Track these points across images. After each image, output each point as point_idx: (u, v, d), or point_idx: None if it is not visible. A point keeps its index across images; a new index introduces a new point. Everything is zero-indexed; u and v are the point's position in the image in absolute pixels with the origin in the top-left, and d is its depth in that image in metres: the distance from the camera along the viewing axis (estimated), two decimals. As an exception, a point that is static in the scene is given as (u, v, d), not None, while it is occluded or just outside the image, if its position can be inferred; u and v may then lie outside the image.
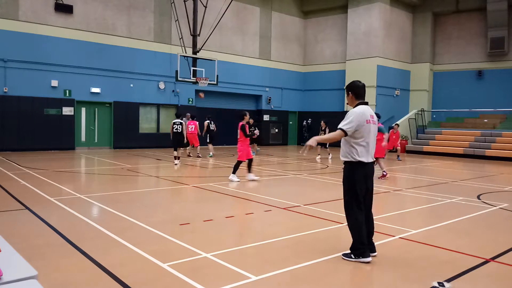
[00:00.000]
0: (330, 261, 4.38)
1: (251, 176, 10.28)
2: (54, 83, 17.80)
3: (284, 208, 6.98)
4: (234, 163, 10.29)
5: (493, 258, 4.56)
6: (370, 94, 23.58)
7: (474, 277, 4.03)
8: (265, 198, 7.89)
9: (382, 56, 23.45)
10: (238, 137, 10.16)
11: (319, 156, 17.19)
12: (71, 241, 4.82)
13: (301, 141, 26.09)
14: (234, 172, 10.09)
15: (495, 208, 7.45)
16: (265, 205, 7.22)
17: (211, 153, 17.37)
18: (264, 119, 25.11)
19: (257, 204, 7.35)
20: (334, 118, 25.00)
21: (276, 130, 25.68)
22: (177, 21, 20.14)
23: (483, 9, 22.89)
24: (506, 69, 22.77)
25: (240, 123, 10.16)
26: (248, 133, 10.11)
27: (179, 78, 18.74)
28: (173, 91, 21.20)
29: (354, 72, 24.00)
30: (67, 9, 17.89)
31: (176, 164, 13.45)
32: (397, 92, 24.70)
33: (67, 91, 18.18)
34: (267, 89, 24.98)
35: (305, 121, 26.40)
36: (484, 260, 4.49)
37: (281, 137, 26.18)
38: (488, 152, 18.92)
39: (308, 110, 26.50)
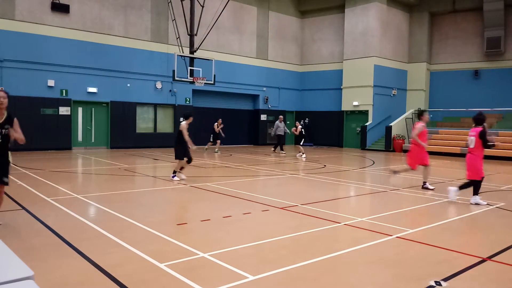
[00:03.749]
0: (327, 260, 4.39)
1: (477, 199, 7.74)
2: (51, 82, 17.74)
3: (281, 208, 6.98)
4: (464, 184, 7.94)
5: (490, 257, 4.58)
6: (367, 94, 23.63)
7: (471, 276, 4.05)
8: (262, 198, 7.89)
9: (379, 55, 23.49)
10: (472, 146, 7.84)
11: (303, 155, 17.51)
12: (68, 241, 4.81)
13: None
14: (476, 193, 7.69)
15: (491, 207, 7.48)
16: (263, 204, 7.23)
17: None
18: (261, 119, 25.12)
19: (255, 204, 7.35)
20: (331, 117, 25.16)
21: (274, 130, 25.69)
22: (174, 21, 20.11)
23: (479, 9, 22.96)
24: (503, 69, 22.86)
25: (480, 129, 7.78)
26: (489, 142, 7.65)
27: (176, 78, 18.71)
28: (170, 90, 21.17)
29: (351, 72, 24.04)
30: (63, 9, 17.84)
31: None
32: (394, 92, 24.76)
33: (64, 90, 18.12)
34: (264, 88, 24.98)
35: (302, 120, 26.40)
36: (480, 259, 4.51)
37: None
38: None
39: (305, 109, 26.53)
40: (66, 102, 18.15)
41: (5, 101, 5.19)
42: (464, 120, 22.90)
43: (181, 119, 9.99)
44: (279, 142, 19.41)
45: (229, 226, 5.80)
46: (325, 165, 14.39)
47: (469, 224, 6.26)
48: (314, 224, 5.92)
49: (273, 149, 20.04)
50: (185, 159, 9.84)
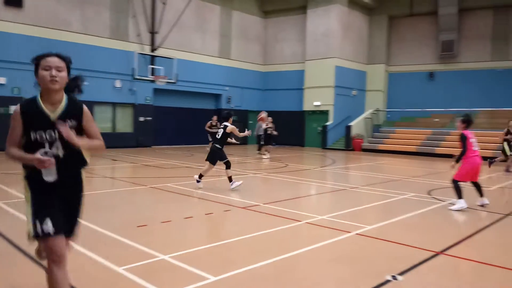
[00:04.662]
0: (289, 258, 4.42)
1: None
2: (2, 80, 16.85)
3: (243, 208, 6.98)
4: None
5: (442, 251, 4.78)
6: (329, 94, 24.09)
7: (425, 270, 4.21)
8: (224, 198, 7.86)
9: (340, 57, 24.00)
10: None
11: (267, 155, 17.00)
12: (19, 247, 4.58)
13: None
14: (460, 196, 7.15)
15: (444, 203, 7.82)
16: (225, 205, 7.20)
17: None
18: (225, 118, 25.00)
19: (217, 204, 7.31)
20: (293, 117, 25.45)
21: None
22: (134, 18, 19.65)
23: (434, 13, 23.97)
24: (455, 71, 23.99)
25: None
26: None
27: (136, 76, 18.30)
28: (130, 89, 20.66)
29: (313, 73, 24.41)
30: (16, 3, 16.97)
31: None
32: (354, 93, 25.38)
33: (16, 88, 17.25)
34: (227, 88, 24.90)
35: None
36: (434, 253, 4.70)
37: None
38: (438, 150, 19.85)
39: (268, 109, 26.57)
40: (19, 101, 17.28)
41: (62, 75, 2.74)
42: (420, 120, 23.84)
43: (225, 123, 8.98)
44: (259, 141, 17.87)
45: (190, 227, 5.73)
46: (287, 164, 14.53)
47: (423, 220, 6.51)
48: (276, 223, 5.96)
49: (258, 152, 17.96)
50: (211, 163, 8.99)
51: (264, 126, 17.42)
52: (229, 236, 5.18)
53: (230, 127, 8.97)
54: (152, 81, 19.23)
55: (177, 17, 20.48)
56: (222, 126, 9.08)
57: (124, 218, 6.16)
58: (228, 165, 8.91)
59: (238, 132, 9.22)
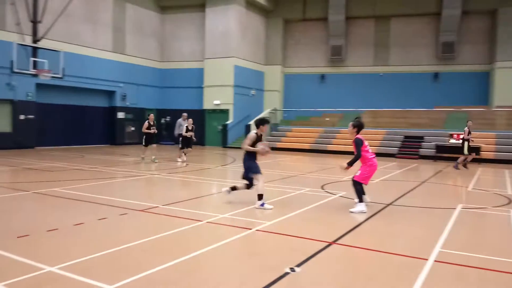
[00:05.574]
0: (190, 260, 4.31)
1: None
2: None
3: (141, 210, 6.65)
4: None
5: (335, 241, 5.10)
6: (228, 93, 24.33)
7: (320, 259, 4.44)
8: (119, 201, 7.41)
9: (238, 56, 24.37)
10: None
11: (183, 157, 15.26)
12: None
13: (160, 139, 25.38)
14: (361, 200, 6.97)
15: (335, 196, 8.38)
16: (120, 208, 6.78)
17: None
18: (119, 117, 23.71)
19: (111, 208, 6.85)
20: (193, 116, 25.14)
21: (133, 129, 24.48)
22: (13, 5, 17.55)
23: (325, 19, 25.69)
24: (343, 74, 26.02)
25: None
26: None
27: (15, 70, 16.36)
28: (7, 84, 18.40)
29: (213, 71, 24.42)
30: None
31: None
32: (253, 92, 26.02)
33: None
34: (121, 84, 23.61)
35: (163, 119, 25.88)
36: (328, 243, 4.98)
37: (138, 135, 25.08)
38: (329, 147, 21.32)
39: (166, 107, 26.00)
40: None
41: None
42: (313, 119, 25.36)
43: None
44: (182, 143, 15.14)
45: (81, 234, 5.27)
46: (187, 164, 14.29)
47: (318, 213, 6.88)
48: (176, 224, 5.78)
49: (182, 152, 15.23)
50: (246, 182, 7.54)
51: (184, 124, 15.34)
52: (125, 241, 4.86)
53: (249, 134, 7.40)
54: (35, 75, 17.35)
55: (63, 6, 18.81)
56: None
57: (1, 229, 5.43)
58: (248, 185, 7.56)
59: (247, 143, 7.28)
